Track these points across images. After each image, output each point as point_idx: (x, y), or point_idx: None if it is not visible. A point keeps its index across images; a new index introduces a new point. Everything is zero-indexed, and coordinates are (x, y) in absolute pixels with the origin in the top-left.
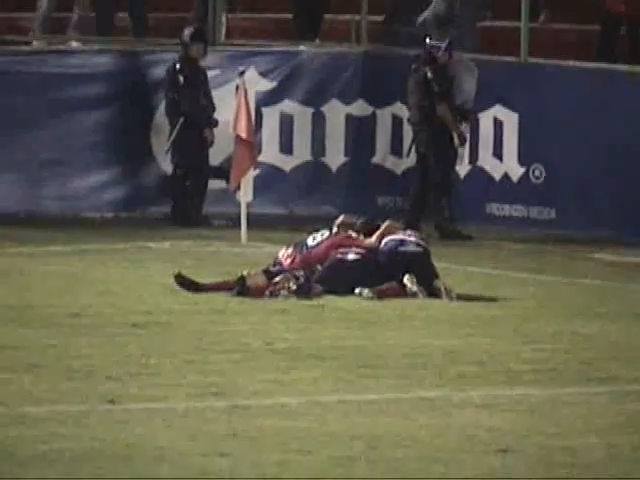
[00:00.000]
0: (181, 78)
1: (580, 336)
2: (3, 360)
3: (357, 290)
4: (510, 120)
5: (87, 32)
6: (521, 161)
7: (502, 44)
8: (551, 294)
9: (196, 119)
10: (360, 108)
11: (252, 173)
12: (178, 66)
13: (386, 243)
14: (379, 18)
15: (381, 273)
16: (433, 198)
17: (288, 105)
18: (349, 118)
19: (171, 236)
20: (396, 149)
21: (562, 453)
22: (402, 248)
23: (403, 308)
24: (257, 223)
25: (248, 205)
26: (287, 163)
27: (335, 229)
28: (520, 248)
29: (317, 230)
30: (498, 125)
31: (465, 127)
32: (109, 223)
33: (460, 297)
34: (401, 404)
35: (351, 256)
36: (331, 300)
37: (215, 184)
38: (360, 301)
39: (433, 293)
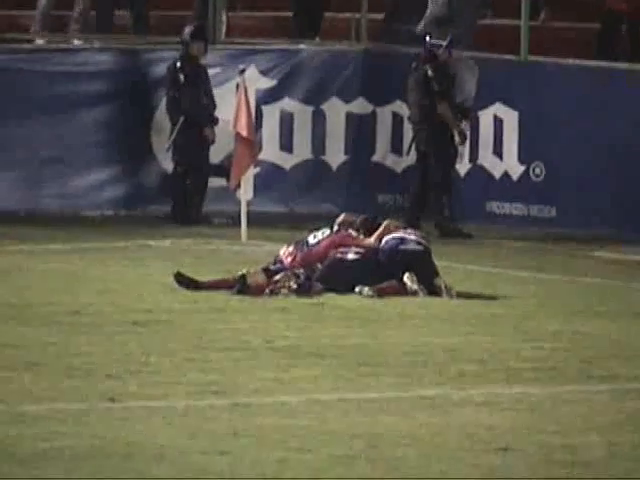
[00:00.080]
0: (181, 76)
1: (580, 334)
2: (3, 358)
3: (357, 288)
4: (510, 118)
5: (87, 30)
6: (521, 159)
7: (502, 42)
8: (551, 292)
9: (196, 117)
10: (360, 106)
11: (252, 171)
12: (179, 64)
13: (387, 241)
14: (379, 16)
15: (381, 271)
16: (433, 196)
17: (288, 103)
18: (349, 116)
19: (171, 234)
20: (396, 147)
21: (562, 451)
22: (402, 246)
23: (403, 306)
24: (257, 221)
25: (248, 203)
26: (287, 161)
27: (336, 227)
28: (520, 246)
29: (318, 228)
30: (498, 123)
31: (465, 125)
32: (109, 221)
33: (460, 295)
34: (401, 402)
35: (351, 256)
36: (331, 298)
37: (215, 182)
38: (360, 299)
39: (433, 291)
